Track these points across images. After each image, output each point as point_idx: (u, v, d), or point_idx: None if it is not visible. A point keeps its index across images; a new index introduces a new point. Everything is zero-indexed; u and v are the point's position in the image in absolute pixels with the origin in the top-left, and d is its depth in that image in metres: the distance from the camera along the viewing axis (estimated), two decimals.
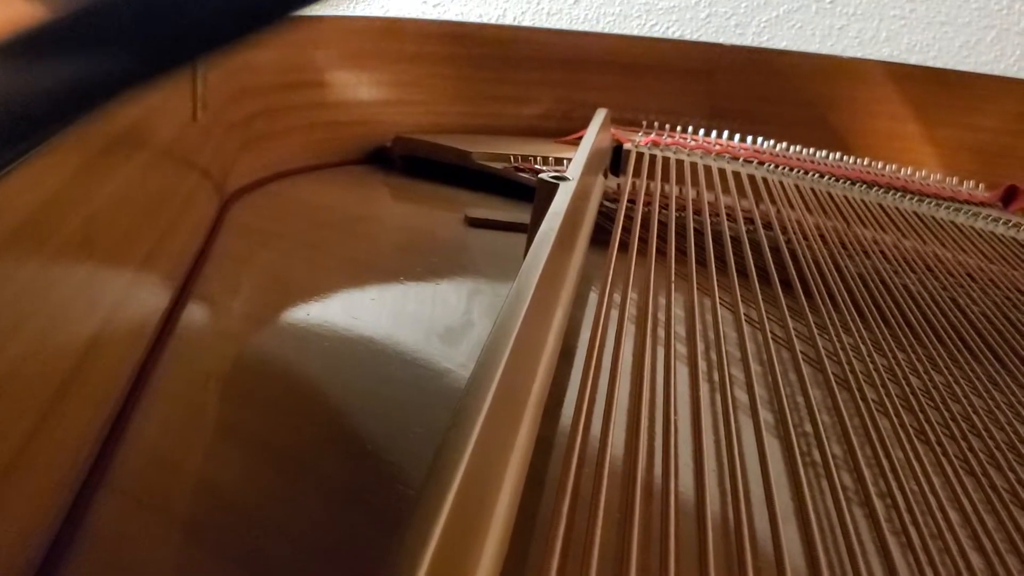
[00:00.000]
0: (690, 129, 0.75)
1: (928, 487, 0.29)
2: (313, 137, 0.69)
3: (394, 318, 0.42)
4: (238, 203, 0.56)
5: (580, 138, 0.53)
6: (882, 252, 0.48)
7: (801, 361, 0.36)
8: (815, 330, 0.39)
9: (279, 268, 0.46)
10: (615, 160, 0.64)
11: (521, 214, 0.56)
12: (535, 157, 0.67)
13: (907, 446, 0.31)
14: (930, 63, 0.95)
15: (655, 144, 0.68)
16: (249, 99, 0.60)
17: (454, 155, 0.69)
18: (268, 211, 0.56)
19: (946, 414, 0.34)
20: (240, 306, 0.41)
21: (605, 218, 0.51)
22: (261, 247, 0.49)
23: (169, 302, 0.39)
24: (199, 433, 0.31)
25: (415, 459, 0.30)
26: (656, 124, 0.74)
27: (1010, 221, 0.59)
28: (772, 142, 0.73)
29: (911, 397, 0.35)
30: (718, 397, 0.33)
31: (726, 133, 0.73)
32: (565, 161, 0.66)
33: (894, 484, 0.28)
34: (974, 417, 0.34)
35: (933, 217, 0.56)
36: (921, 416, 0.33)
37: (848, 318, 0.41)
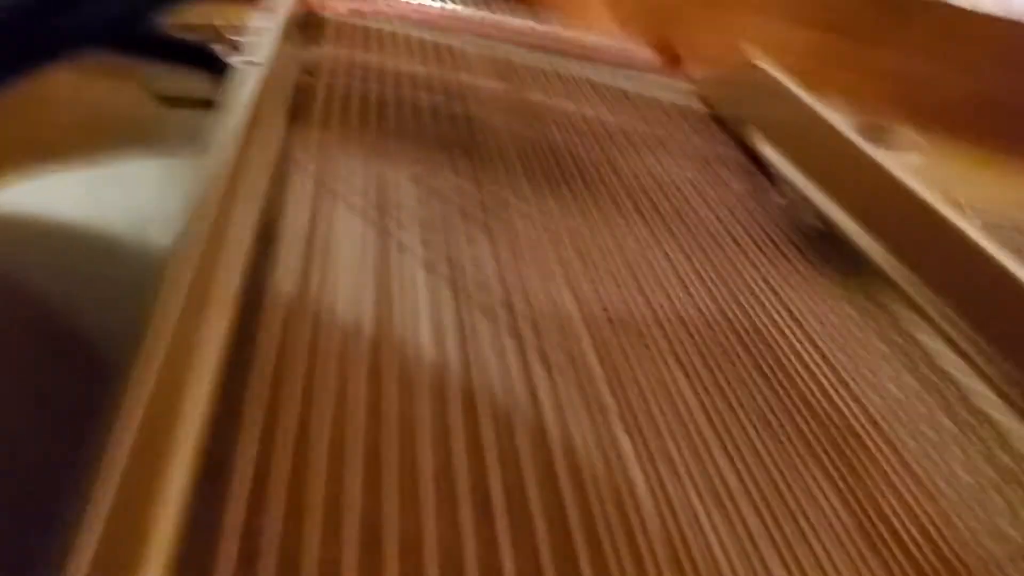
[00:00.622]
0: None
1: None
2: None
3: (85, 207, 0.40)
4: None
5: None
6: (555, 119, 0.53)
7: (486, 226, 0.40)
8: (503, 197, 0.43)
9: None
10: (311, 29, 0.63)
11: (215, 88, 0.54)
12: (227, 25, 0.65)
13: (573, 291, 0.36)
14: None
15: (355, 13, 0.67)
16: None
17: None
18: None
19: (611, 263, 0.40)
20: None
21: (300, 92, 0.51)
22: None
23: None
24: None
25: (116, 348, 0.31)
26: None
27: (670, 85, 0.66)
28: (463, 6, 0.75)
29: (586, 254, 0.40)
30: (410, 263, 0.36)
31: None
32: (260, 30, 0.64)
33: (561, 326, 0.34)
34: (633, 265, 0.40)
35: (604, 83, 0.62)
36: (592, 266, 0.39)
37: (527, 184, 0.45)
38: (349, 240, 0.36)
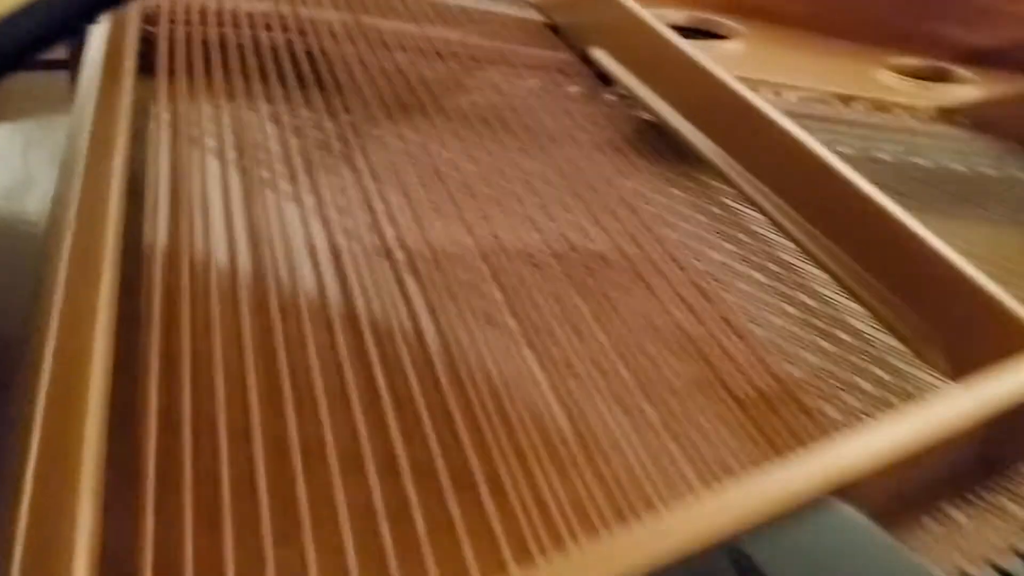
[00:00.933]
0: None
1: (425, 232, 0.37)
2: None
3: None
4: None
5: None
6: (402, 44, 0.55)
7: (346, 156, 0.43)
8: (360, 127, 0.45)
9: None
10: None
11: (60, 49, 0.53)
12: None
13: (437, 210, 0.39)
14: None
15: None
16: None
17: None
18: None
19: (467, 178, 0.43)
20: None
21: (145, 43, 0.51)
22: None
23: None
24: None
25: (9, 327, 0.32)
26: None
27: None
28: None
29: (443, 173, 0.43)
30: (279, 200, 0.38)
31: None
32: None
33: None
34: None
35: (444, 2, 0.63)
36: (450, 183, 0.42)
37: (381, 111, 0.47)
38: (216, 184, 0.38)
